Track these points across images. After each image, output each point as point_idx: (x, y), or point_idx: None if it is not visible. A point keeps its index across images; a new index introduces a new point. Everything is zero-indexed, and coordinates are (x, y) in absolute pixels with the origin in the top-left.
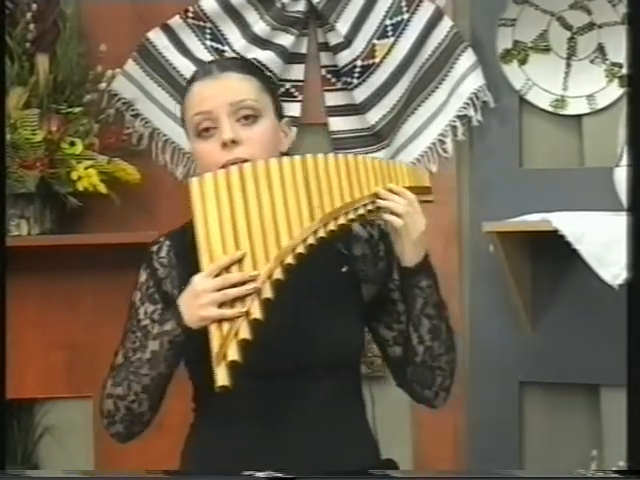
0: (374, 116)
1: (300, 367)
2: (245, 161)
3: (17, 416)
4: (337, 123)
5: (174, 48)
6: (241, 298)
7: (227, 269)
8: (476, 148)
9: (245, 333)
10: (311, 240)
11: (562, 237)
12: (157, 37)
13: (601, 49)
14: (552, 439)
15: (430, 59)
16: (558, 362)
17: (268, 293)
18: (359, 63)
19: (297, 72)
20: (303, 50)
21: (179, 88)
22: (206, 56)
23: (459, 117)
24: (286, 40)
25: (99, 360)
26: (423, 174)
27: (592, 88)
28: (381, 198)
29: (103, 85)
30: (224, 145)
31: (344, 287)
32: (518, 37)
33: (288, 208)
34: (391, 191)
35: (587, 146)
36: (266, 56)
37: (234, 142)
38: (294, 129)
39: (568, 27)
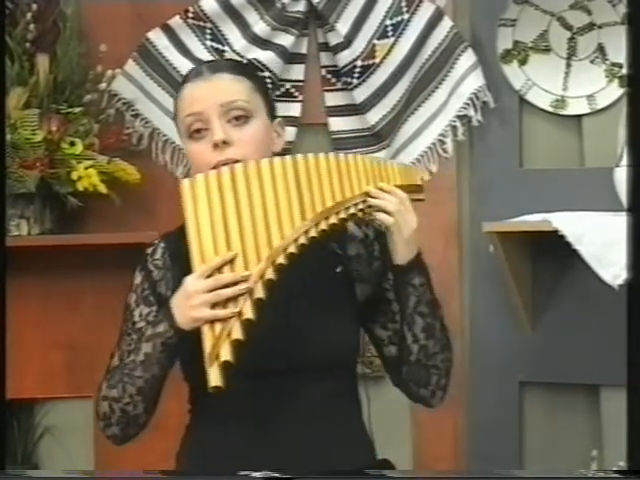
0: (374, 116)
1: (294, 367)
2: (236, 162)
3: (17, 416)
4: (337, 123)
5: (174, 48)
6: (233, 298)
7: (219, 270)
8: (476, 148)
9: (238, 333)
10: (303, 240)
11: (562, 237)
12: (157, 37)
13: (601, 49)
14: (552, 439)
15: (430, 59)
16: (558, 362)
17: (260, 293)
18: (359, 63)
19: (297, 72)
20: (303, 50)
21: (179, 88)
22: (206, 56)
23: (459, 117)
24: (286, 40)
25: (99, 360)
26: (414, 173)
27: (592, 88)
28: (372, 197)
29: (103, 85)
30: (215, 146)
31: (338, 287)
32: (518, 37)
33: (279, 208)
34: (382, 190)
35: (587, 146)
36: (266, 56)
37: (225, 143)
38: (294, 129)
39: (568, 27)
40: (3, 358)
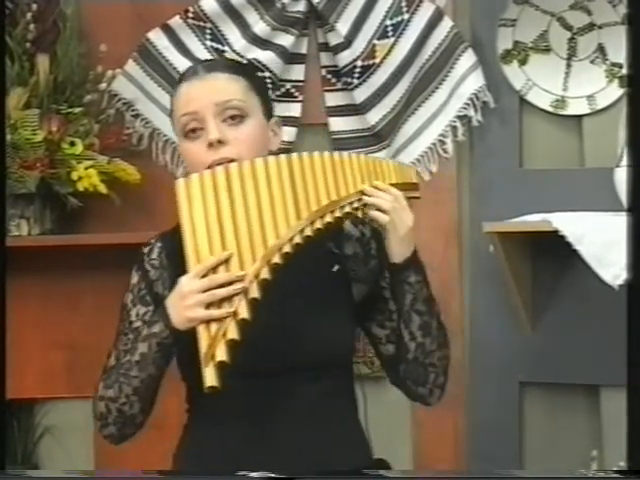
0: (374, 116)
1: (290, 367)
2: (231, 161)
3: (17, 416)
4: (337, 123)
5: (174, 48)
6: (228, 298)
7: (214, 269)
8: (476, 148)
9: (233, 333)
10: (298, 239)
11: (562, 237)
12: (157, 37)
13: (601, 49)
14: (552, 439)
15: (430, 59)
16: (558, 362)
17: (255, 293)
18: (359, 63)
19: (297, 72)
20: (303, 50)
21: (175, 87)
22: (206, 56)
23: (459, 117)
24: (286, 40)
25: (99, 360)
26: (409, 171)
27: (592, 88)
28: (367, 195)
29: (103, 85)
30: (210, 145)
31: (335, 286)
32: (518, 37)
33: (274, 207)
34: (377, 188)
35: (587, 146)
36: (266, 56)
37: (220, 142)
38: (294, 129)
39: (568, 27)
40: (3, 358)
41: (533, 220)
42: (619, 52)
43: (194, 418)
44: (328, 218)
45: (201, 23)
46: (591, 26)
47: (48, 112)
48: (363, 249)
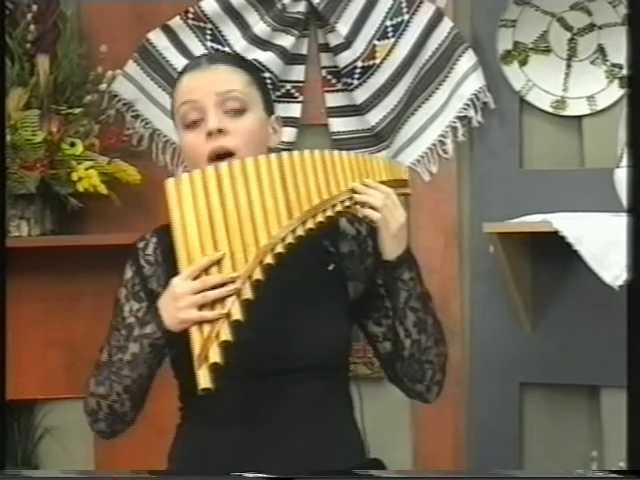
0: (374, 117)
1: (284, 367)
2: (229, 152)
3: (17, 417)
4: (337, 124)
5: (174, 49)
6: (221, 300)
7: (206, 270)
8: (476, 149)
9: (226, 335)
10: (290, 239)
11: (563, 238)
12: (157, 38)
13: (601, 50)
14: (552, 440)
15: (430, 60)
16: (558, 363)
17: (248, 294)
18: (359, 64)
19: (297, 73)
20: (303, 51)
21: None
22: None
23: (459, 118)
24: (286, 41)
25: None
26: (400, 167)
27: (592, 89)
28: (358, 193)
29: (103, 86)
30: (209, 134)
31: (330, 285)
32: (518, 38)
33: (266, 207)
34: (367, 186)
35: (587, 147)
36: (266, 57)
37: (220, 131)
38: (294, 130)
39: (568, 28)
40: (3, 359)
41: (533, 221)
42: (619, 53)
43: (187, 418)
44: (320, 217)
45: (201, 24)
46: (591, 27)
47: (48, 113)
48: (359, 247)
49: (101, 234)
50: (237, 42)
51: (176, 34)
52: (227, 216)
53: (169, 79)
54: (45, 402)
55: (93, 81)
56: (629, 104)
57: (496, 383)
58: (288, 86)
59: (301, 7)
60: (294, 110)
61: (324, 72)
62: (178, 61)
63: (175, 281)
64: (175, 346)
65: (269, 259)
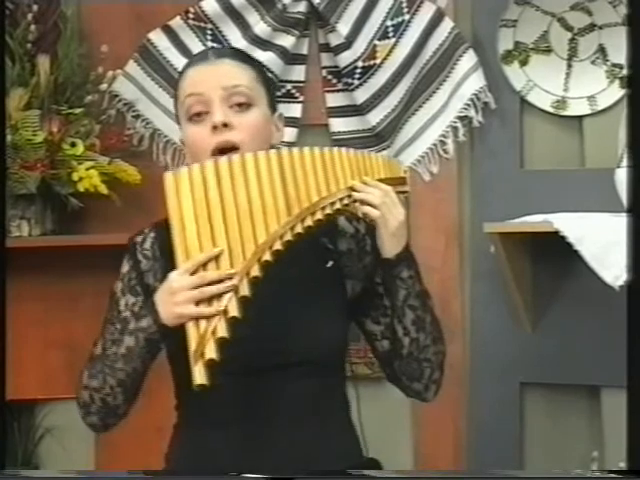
0: (375, 117)
1: (279, 363)
2: (234, 147)
3: (18, 417)
4: (338, 124)
5: (175, 49)
6: (218, 296)
7: (204, 266)
8: (477, 149)
9: (223, 331)
10: (288, 236)
11: (563, 238)
12: (158, 38)
13: (602, 50)
14: (552, 440)
15: (431, 60)
16: (559, 363)
17: (246, 291)
18: (360, 64)
19: (298, 73)
20: (304, 51)
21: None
22: None
23: (460, 118)
24: (287, 41)
25: None
26: (398, 165)
27: (593, 89)
28: (356, 191)
29: (104, 86)
30: (214, 128)
31: (328, 283)
32: (519, 38)
33: (265, 203)
34: (366, 184)
35: (588, 147)
36: (267, 57)
37: (225, 126)
38: (295, 130)
39: (569, 28)
40: (3, 359)
41: (534, 221)
42: (620, 53)
43: (183, 416)
44: (319, 215)
45: (202, 24)
46: (592, 27)
47: (49, 113)
48: (357, 245)
49: (102, 234)
50: (237, 42)
51: (177, 34)
52: (226, 211)
53: (170, 79)
54: (45, 402)
55: (94, 81)
56: (629, 104)
57: (496, 383)
58: (288, 86)
59: (302, 7)
60: (294, 110)
61: (325, 72)
62: (179, 61)
63: (172, 276)
64: (171, 341)
65: (267, 256)
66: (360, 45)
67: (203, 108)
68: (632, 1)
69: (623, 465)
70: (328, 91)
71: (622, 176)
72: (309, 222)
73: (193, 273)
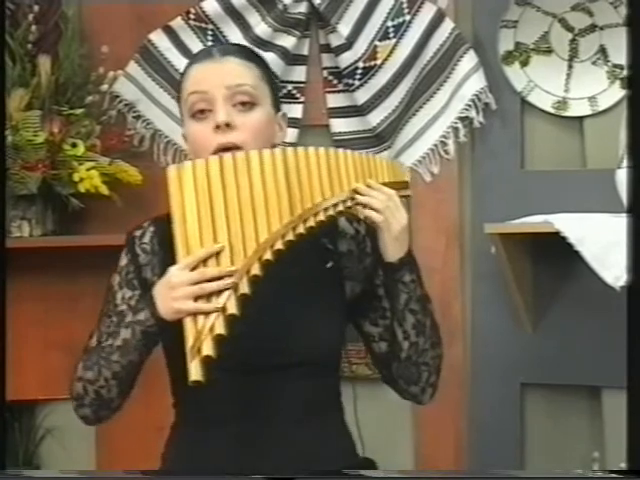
0: (376, 118)
1: (275, 362)
2: (237, 147)
3: (18, 418)
4: (339, 125)
5: (176, 49)
6: (217, 292)
7: (204, 262)
8: (478, 150)
9: (220, 328)
10: (290, 236)
11: (564, 239)
12: (159, 38)
13: (603, 51)
14: (553, 441)
15: (432, 61)
16: (559, 364)
17: (245, 289)
18: (361, 65)
19: (299, 74)
20: (305, 52)
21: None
22: None
23: (461, 119)
24: (288, 42)
25: None
26: (402, 169)
27: (594, 90)
28: (360, 194)
29: (105, 87)
30: (217, 128)
31: (327, 283)
32: (520, 39)
33: (268, 202)
34: (370, 187)
35: (589, 148)
36: (268, 57)
37: (228, 126)
38: (296, 131)
39: (570, 29)
40: (3, 360)
41: (534, 221)
42: (621, 53)
43: (180, 415)
44: (321, 216)
45: (202, 24)
46: (592, 27)
47: (50, 113)
48: (358, 247)
49: (102, 235)
50: (238, 42)
51: (177, 35)
52: (228, 208)
53: (170, 80)
54: (46, 403)
55: (94, 82)
56: (629, 105)
57: (497, 383)
58: (289, 87)
59: (302, 8)
60: (295, 111)
61: (325, 73)
62: (179, 62)
63: (172, 270)
64: (168, 336)
65: (268, 255)
66: (361, 46)
67: (206, 106)
68: (632, 2)
69: (624, 465)
70: (329, 92)
71: (623, 177)
72: (311, 223)
73: (193, 269)
